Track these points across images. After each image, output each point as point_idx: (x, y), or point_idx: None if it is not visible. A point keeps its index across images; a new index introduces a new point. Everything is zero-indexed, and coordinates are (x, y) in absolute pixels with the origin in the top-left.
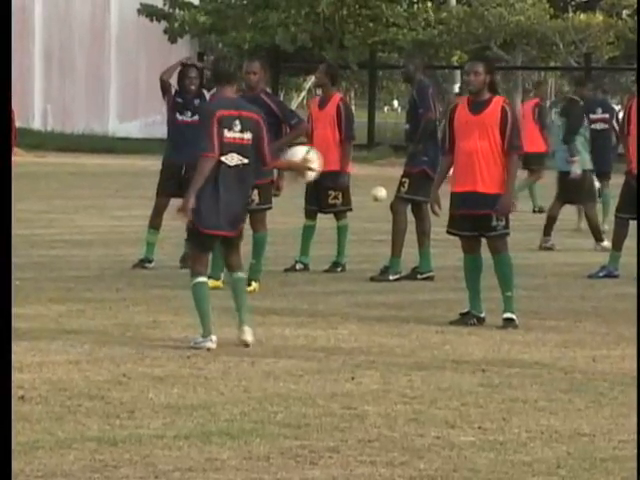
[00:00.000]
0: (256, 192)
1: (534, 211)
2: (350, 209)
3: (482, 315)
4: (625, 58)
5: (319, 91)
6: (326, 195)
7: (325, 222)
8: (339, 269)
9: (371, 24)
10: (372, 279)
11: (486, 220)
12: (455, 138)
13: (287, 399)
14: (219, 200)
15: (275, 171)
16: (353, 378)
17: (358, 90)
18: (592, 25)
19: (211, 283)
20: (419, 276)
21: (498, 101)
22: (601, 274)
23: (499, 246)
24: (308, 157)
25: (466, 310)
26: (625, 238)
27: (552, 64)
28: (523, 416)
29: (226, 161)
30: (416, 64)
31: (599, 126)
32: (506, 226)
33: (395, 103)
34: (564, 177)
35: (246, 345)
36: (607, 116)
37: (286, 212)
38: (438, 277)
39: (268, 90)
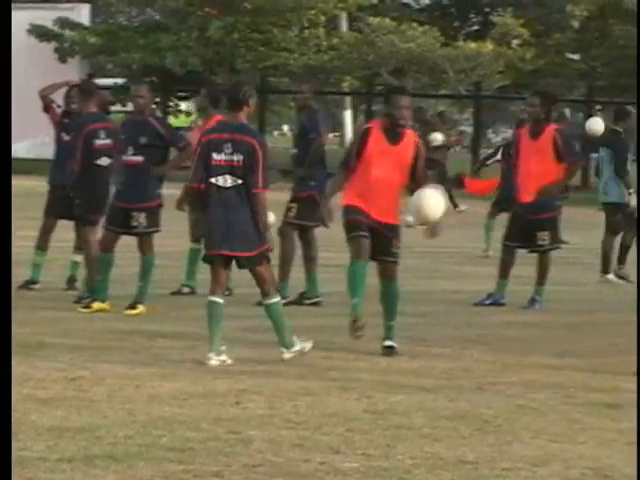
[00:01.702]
0: (143, 215)
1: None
2: None
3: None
4: (514, 87)
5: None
6: None
7: None
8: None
9: (262, 48)
10: (259, 304)
11: (387, 244)
12: (363, 161)
13: (172, 423)
14: (222, 221)
15: (163, 194)
16: (238, 403)
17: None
18: (482, 54)
19: (96, 306)
20: (306, 301)
21: (411, 135)
22: (487, 302)
23: (394, 273)
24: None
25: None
26: (512, 266)
27: (442, 92)
28: (408, 443)
29: (218, 183)
30: (310, 91)
31: None
32: (399, 254)
33: (285, 128)
34: (616, 209)
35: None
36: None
37: (174, 235)
38: (325, 302)
39: (157, 113)
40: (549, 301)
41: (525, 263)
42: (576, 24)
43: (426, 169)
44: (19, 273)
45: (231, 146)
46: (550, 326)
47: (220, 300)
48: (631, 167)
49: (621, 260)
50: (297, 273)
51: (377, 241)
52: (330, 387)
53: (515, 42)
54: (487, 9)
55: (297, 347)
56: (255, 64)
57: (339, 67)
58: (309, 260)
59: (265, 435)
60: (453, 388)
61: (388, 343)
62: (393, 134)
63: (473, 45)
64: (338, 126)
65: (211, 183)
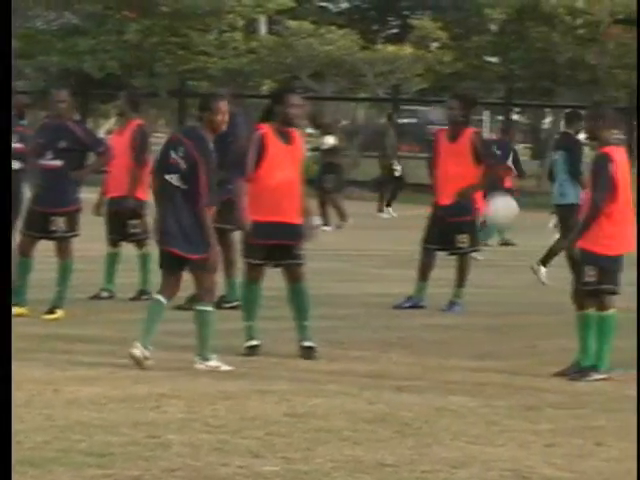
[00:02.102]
0: (62, 220)
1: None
2: (147, 237)
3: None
4: (433, 90)
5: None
6: (125, 224)
7: (132, 249)
8: (145, 297)
9: (181, 52)
10: (179, 307)
11: (289, 250)
12: (265, 167)
13: (91, 427)
14: (171, 218)
15: (81, 198)
16: (158, 407)
17: (168, 118)
18: (401, 57)
19: (15, 310)
20: (226, 305)
21: (298, 134)
22: (407, 304)
23: (300, 275)
24: None
25: (256, 342)
26: (431, 269)
27: (361, 95)
28: (328, 446)
29: (172, 181)
30: (229, 94)
31: None
32: (303, 256)
33: None
34: (572, 210)
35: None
36: (499, 153)
37: (93, 239)
38: None
39: (77, 117)
40: (469, 303)
41: (444, 265)
42: (494, 27)
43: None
44: None
45: (183, 151)
46: (469, 328)
47: (164, 300)
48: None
49: (545, 262)
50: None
51: (280, 253)
52: (249, 391)
53: (434, 45)
54: (406, 12)
55: (212, 363)
56: (174, 68)
57: (258, 70)
58: (228, 264)
59: (184, 439)
60: (373, 391)
61: (306, 344)
62: (285, 134)
63: (392, 48)
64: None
65: (165, 179)
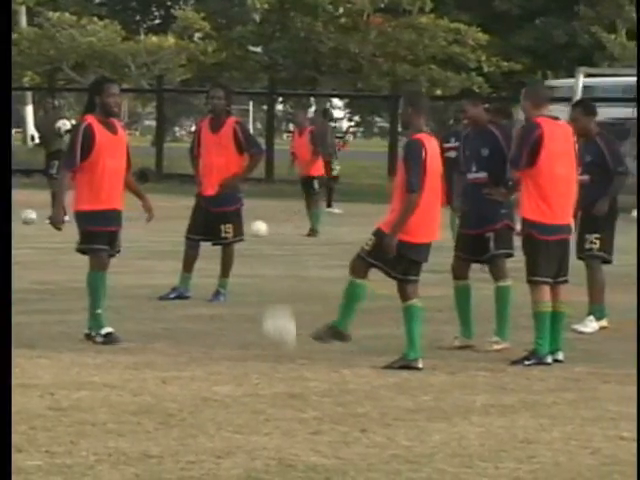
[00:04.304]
0: None
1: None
2: None
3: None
4: (197, 80)
5: None
6: None
7: None
8: None
9: None
10: None
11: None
12: (93, 156)
13: None
14: None
15: None
16: None
17: None
18: (164, 47)
19: None
20: None
21: (119, 123)
22: (172, 296)
23: None
24: None
25: (110, 329)
26: (195, 260)
27: (125, 86)
28: (91, 439)
29: None
30: None
31: (452, 154)
32: None
33: None
34: None
35: None
36: (458, 144)
37: None
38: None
39: None
40: (233, 293)
41: (208, 256)
42: (257, 17)
43: None
44: None
45: None
46: (234, 318)
47: None
48: None
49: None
50: None
51: (115, 238)
52: (13, 385)
53: (197, 36)
54: (169, 3)
55: None
56: None
57: (19, 63)
58: None
59: None
60: (138, 382)
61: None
62: (109, 124)
63: (155, 39)
64: (20, 122)
65: None
